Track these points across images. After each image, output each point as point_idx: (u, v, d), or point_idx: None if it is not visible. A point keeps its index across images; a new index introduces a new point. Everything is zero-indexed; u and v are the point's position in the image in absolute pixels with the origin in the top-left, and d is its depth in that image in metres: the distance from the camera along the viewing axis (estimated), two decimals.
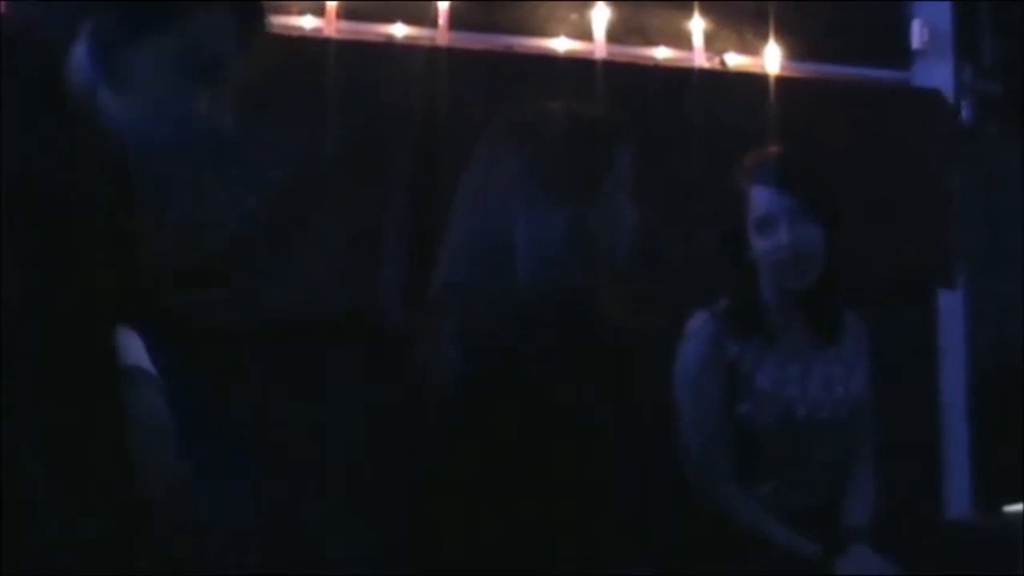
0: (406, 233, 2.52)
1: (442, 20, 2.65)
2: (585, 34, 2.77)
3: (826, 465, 2.27)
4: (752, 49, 2.93)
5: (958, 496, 3.06)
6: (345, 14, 2.56)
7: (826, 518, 2.23)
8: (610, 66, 2.74)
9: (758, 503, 2.20)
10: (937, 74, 3.12)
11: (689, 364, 2.25)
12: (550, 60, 2.75)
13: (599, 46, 2.76)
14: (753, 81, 2.87)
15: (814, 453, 2.24)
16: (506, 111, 1.90)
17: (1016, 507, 2.80)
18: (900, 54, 3.12)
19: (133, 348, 1.47)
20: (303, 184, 2.47)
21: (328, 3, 2.53)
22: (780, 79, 2.88)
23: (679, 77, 2.80)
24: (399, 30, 2.64)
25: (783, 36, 2.92)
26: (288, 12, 2.56)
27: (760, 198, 2.22)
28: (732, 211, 2.26)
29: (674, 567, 1.93)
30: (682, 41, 2.86)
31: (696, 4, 2.84)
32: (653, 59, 2.84)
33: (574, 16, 2.79)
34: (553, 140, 1.81)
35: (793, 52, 2.95)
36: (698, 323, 2.27)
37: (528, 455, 1.69)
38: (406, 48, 2.62)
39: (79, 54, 1.29)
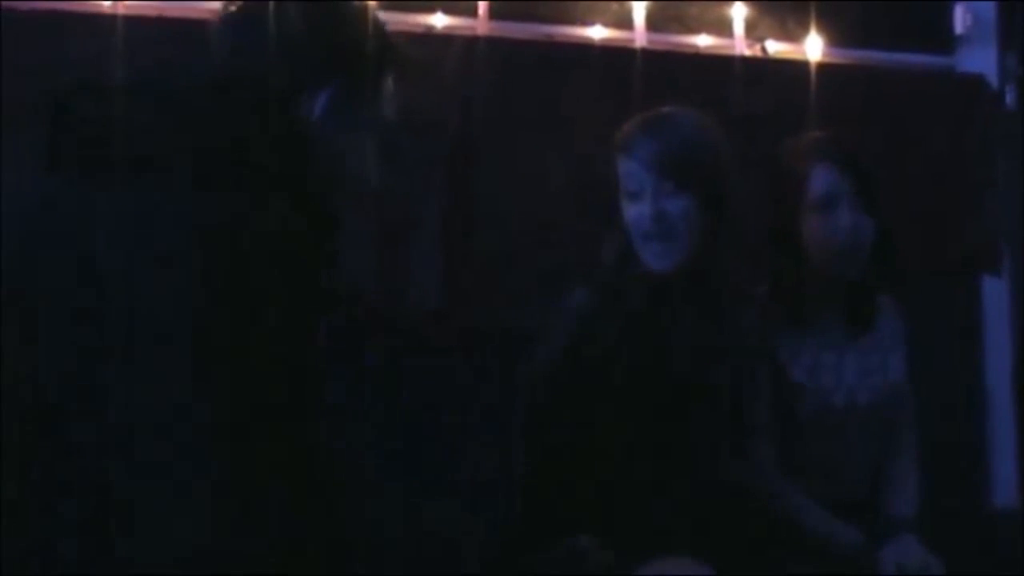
0: (446, 224, 2.53)
1: (482, 10, 2.66)
2: (625, 22, 2.77)
3: (865, 455, 2.23)
4: (793, 36, 2.91)
5: (1004, 485, 3.03)
6: (385, 4, 2.56)
7: (867, 509, 2.20)
8: (650, 54, 2.73)
9: (799, 490, 2.17)
10: (981, 60, 3.08)
11: None
12: (590, 49, 2.74)
13: (640, 34, 2.75)
14: (795, 68, 2.85)
15: (853, 443, 2.20)
16: None
17: None
18: (943, 40, 3.09)
19: None
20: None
21: None
22: (822, 66, 2.86)
23: (720, 65, 2.79)
24: (439, 20, 2.64)
25: (825, 23, 2.90)
26: None
27: (821, 179, 2.14)
28: (784, 193, 2.18)
29: (724, 565, 1.90)
30: (723, 29, 2.85)
31: None
32: (694, 47, 2.84)
33: (614, 5, 2.79)
34: None
35: (835, 39, 2.93)
36: None
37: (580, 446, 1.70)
38: (446, 38, 2.62)
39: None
